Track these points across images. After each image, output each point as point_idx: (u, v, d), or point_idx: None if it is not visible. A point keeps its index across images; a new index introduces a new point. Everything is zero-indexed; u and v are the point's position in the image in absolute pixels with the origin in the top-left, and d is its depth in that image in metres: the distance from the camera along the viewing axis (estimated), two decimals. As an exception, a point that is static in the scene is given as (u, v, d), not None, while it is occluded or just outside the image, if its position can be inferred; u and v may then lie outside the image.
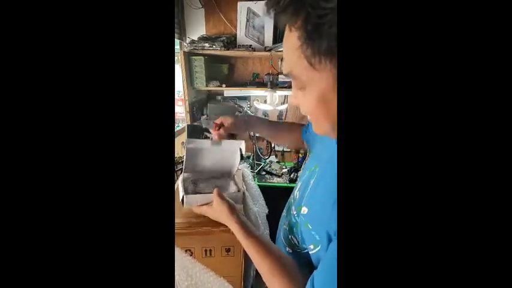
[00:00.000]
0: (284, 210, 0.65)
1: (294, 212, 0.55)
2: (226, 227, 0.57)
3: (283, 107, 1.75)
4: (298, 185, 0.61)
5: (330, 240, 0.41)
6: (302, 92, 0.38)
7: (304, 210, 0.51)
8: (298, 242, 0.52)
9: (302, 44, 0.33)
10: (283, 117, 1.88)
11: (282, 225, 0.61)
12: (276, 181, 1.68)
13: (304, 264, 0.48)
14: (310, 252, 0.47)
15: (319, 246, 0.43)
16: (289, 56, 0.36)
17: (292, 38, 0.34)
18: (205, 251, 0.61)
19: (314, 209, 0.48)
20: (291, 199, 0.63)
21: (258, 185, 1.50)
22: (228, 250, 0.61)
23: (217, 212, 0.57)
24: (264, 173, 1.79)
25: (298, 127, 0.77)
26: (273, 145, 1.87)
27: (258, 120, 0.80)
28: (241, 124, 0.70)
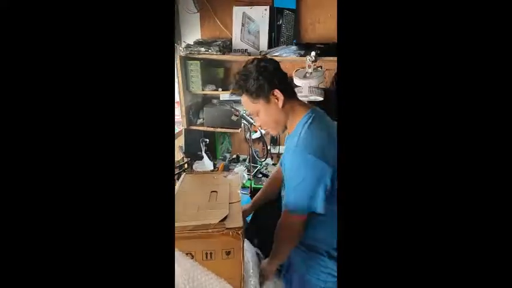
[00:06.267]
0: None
1: (283, 185, 0.87)
2: (226, 230, 0.59)
3: (279, 110, 1.77)
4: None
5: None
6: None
7: (284, 173, 0.83)
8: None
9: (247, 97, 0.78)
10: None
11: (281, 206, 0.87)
12: (273, 183, 1.69)
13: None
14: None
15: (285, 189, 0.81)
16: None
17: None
18: (206, 254, 0.62)
19: (284, 165, 0.83)
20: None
21: (254, 187, 1.52)
22: (228, 253, 0.62)
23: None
24: (260, 175, 1.80)
25: (278, 168, 1.02)
26: (269, 147, 1.89)
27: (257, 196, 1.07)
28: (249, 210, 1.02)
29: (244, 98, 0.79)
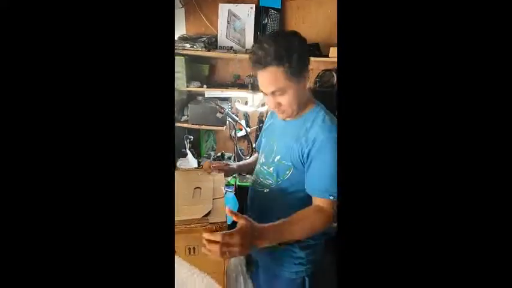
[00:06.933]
0: (254, 177, 0.92)
1: (266, 168, 0.84)
2: (210, 224, 0.60)
3: (264, 108, 1.79)
4: (261, 156, 0.90)
5: (300, 163, 0.75)
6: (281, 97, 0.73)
7: (277, 157, 0.81)
8: (273, 179, 0.81)
9: (284, 71, 0.68)
10: (264, 118, 1.92)
11: (257, 188, 0.87)
12: (257, 181, 1.70)
13: (283, 190, 0.79)
14: (286, 178, 0.79)
15: (292, 168, 0.77)
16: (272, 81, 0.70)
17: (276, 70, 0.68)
18: (189, 249, 0.62)
19: (283, 150, 0.80)
20: (257, 171, 0.90)
21: (239, 185, 1.52)
22: (211, 247, 0.63)
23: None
24: (245, 173, 1.80)
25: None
26: (253, 145, 1.90)
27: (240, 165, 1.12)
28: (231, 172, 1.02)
29: (277, 72, 0.67)
